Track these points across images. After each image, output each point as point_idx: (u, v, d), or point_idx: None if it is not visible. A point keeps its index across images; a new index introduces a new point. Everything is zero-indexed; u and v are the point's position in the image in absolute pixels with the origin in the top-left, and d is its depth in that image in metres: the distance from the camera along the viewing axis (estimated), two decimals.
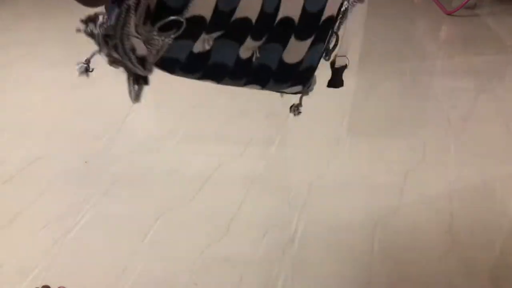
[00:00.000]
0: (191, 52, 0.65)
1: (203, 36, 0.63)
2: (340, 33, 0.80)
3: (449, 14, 2.93)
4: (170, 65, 0.66)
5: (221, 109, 1.87)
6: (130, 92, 0.64)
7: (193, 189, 1.45)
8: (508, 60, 2.36)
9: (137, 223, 1.33)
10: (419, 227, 1.31)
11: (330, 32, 0.77)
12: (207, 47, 0.65)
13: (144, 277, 1.17)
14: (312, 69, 0.79)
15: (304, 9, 0.69)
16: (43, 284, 1.15)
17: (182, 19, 0.58)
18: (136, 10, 0.56)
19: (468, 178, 1.50)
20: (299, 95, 0.87)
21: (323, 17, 0.72)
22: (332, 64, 0.85)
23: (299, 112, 0.90)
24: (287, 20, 0.69)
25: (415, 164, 1.56)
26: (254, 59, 0.70)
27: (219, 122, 1.81)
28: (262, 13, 0.66)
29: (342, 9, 0.76)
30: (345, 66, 0.87)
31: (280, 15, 0.68)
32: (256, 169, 1.54)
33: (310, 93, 0.87)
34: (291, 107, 0.90)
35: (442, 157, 1.60)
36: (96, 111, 1.90)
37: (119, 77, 0.62)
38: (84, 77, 0.61)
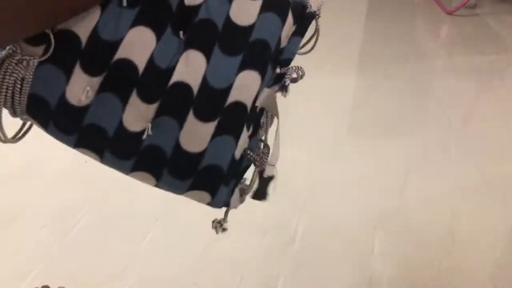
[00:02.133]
0: (64, 99, 0.54)
1: (81, 75, 0.53)
2: (264, 137, 0.69)
3: (449, 13, 2.93)
4: (39, 110, 0.56)
5: None
6: None
7: None
8: (508, 60, 2.36)
9: (137, 223, 1.33)
10: (419, 227, 1.31)
11: (243, 129, 0.63)
12: (85, 101, 0.54)
13: (144, 277, 1.17)
14: (217, 171, 0.62)
15: (205, 80, 0.57)
16: (43, 284, 1.15)
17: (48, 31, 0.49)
18: None
19: (468, 178, 1.50)
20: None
21: (229, 100, 0.58)
22: (260, 174, 0.72)
23: (224, 229, 0.74)
24: (183, 87, 0.56)
25: (415, 164, 1.56)
26: (144, 136, 0.57)
27: None
28: (152, 65, 0.54)
29: (258, 104, 0.62)
30: (271, 177, 0.74)
31: (175, 77, 0.56)
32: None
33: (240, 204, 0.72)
34: (213, 222, 0.73)
35: (442, 157, 1.60)
36: None
37: None
38: None
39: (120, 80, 0.54)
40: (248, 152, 0.67)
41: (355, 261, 1.21)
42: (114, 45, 0.53)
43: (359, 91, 2.05)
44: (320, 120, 1.82)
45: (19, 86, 0.52)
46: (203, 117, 0.58)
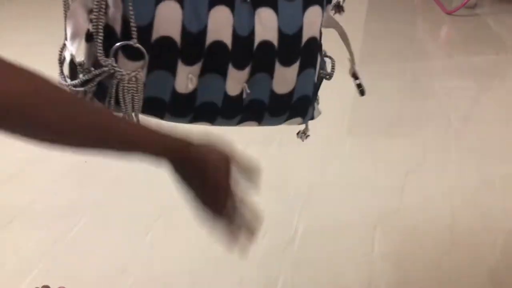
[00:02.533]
0: (175, 91, 0.61)
1: (183, 68, 0.59)
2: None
3: (449, 13, 2.93)
4: (156, 107, 0.63)
5: None
6: None
7: None
8: (508, 60, 2.36)
9: (137, 223, 1.33)
10: (419, 227, 1.31)
11: (318, 56, 0.73)
12: (191, 87, 0.62)
13: (144, 277, 1.17)
14: (306, 99, 0.74)
15: (280, 31, 0.65)
16: (43, 284, 1.15)
17: (135, 44, 0.55)
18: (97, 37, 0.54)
19: (468, 178, 1.50)
20: None
21: (304, 39, 0.68)
22: (353, 75, 0.86)
23: (307, 136, 0.88)
24: (266, 45, 0.65)
25: (415, 164, 1.56)
26: (244, 95, 0.67)
27: None
28: (236, 37, 0.62)
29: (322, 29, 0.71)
30: (355, 76, 0.87)
31: (257, 39, 0.64)
32: None
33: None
34: (298, 133, 0.87)
35: (442, 157, 1.60)
36: None
37: None
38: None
39: (216, 60, 0.62)
40: (321, 71, 0.77)
41: (355, 261, 1.21)
42: (203, 33, 0.59)
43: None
44: (320, 119, 1.81)
45: (136, 97, 0.59)
46: (288, 62, 0.68)
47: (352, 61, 0.85)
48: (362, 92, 0.90)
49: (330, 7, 0.74)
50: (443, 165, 1.56)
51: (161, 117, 0.64)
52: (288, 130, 1.86)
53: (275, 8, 0.65)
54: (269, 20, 0.64)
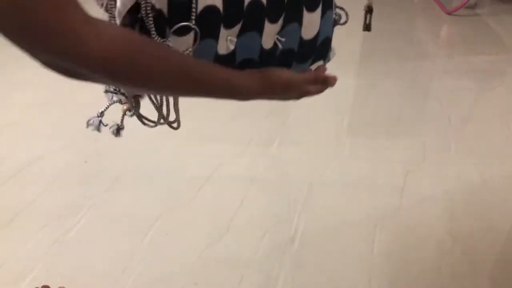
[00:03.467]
0: (217, 54, 0.64)
1: (224, 32, 0.62)
2: None
3: (449, 13, 2.93)
4: None
5: (221, 109, 1.87)
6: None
7: (193, 189, 1.45)
8: (508, 60, 2.36)
9: (137, 223, 1.33)
10: (419, 227, 1.31)
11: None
12: (232, 47, 0.64)
13: (144, 277, 1.17)
14: (328, 40, 0.80)
15: None
16: (43, 284, 1.15)
17: (192, 25, 0.57)
18: (147, 21, 0.55)
19: (468, 178, 1.50)
20: None
21: None
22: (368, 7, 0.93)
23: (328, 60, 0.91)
24: None
25: (415, 164, 1.56)
26: (280, 46, 0.70)
27: (219, 122, 1.81)
28: None
29: None
30: (370, 9, 0.94)
31: None
32: (256, 169, 1.54)
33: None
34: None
35: (442, 157, 1.60)
36: (96, 111, 1.90)
37: None
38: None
39: (254, 18, 0.64)
40: (335, 13, 0.80)
41: (355, 261, 1.21)
42: None
43: (359, 91, 2.05)
44: (320, 119, 1.82)
45: None
46: (313, 8, 0.72)
47: None
48: (368, 28, 0.96)
49: None
50: (443, 165, 1.56)
51: None
52: (288, 130, 1.87)
53: None
54: None
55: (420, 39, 2.64)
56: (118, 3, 0.54)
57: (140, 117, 0.67)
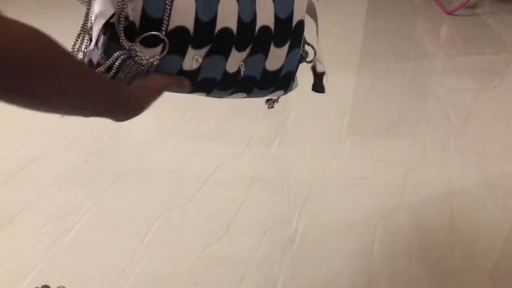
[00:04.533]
0: (181, 70, 0.66)
1: (191, 51, 0.64)
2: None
3: (449, 13, 2.93)
4: None
5: (221, 109, 1.87)
6: None
7: (193, 189, 1.45)
8: (508, 59, 2.36)
9: (137, 223, 1.33)
10: (419, 227, 1.31)
11: (303, 36, 0.80)
12: (196, 66, 0.67)
13: (144, 277, 1.17)
14: (291, 74, 0.83)
15: (276, 16, 0.73)
16: (43, 284, 1.15)
17: (162, 36, 0.59)
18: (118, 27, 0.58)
19: (468, 178, 1.50)
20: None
21: (294, 22, 0.76)
22: (313, 69, 0.90)
23: (272, 106, 0.93)
24: (265, 29, 0.72)
25: (415, 164, 1.56)
26: (242, 73, 0.73)
27: (219, 122, 1.81)
28: (241, 23, 0.68)
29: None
30: (323, 73, 0.90)
31: (258, 24, 0.71)
32: (256, 169, 1.54)
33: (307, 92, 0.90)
34: (267, 101, 0.93)
35: (442, 157, 1.60)
36: None
37: None
38: None
39: (222, 44, 0.67)
40: (303, 49, 0.83)
41: (355, 261, 1.21)
42: (213, 21, 0.64)
43: (359, 90, 2.05)
44: (320, 119, 1.82)
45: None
46: (281, 44, 0.75)
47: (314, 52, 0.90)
48: (320, 88, 0.93)
49: None
50: (443, 165, 1.56)
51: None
52: (288, 130, 1.87)
53: None
54: (267, 6, 0.71)
55: (420, 39, 2.64)
56: (97, 10, 0.58)
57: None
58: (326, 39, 0.81)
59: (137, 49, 0.59)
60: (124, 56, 0.59)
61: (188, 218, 1.35)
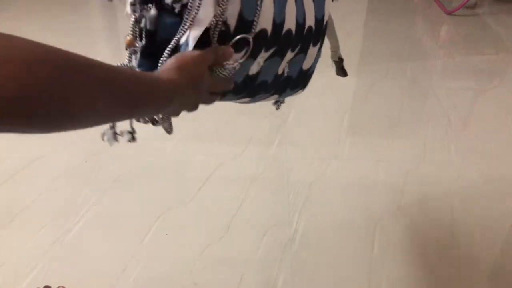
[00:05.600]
0: (247, 75, 0.67)
1: (262, 54, 0.65)
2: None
3: (449, 13, 2.93)
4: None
5: (221, 109, 1.87)
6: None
7: (193, 189, 1.45)
8: (508, 60, 2.36)
9: (137, 223, 1.33)
10: (419, 227, 1.31)
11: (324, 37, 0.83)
12: (257, 69, 0.67)
13: (144, 277, 1.17)
14: (312, 72, 0.85)
15: (316, 17, 0.75)
16: (44, 284, 1.15)
17: (250, 38, 0.59)
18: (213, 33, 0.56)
19: (468, 178, 1.50)
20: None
21: (324, 22, 0.78)
22: (333, 59, 0.96)
23: (279, 108, 0.94)
24: (310, 29, 0.74)
25: (415, 164, 1.56)
26: (285, 73, 0.74)
27: (219, 122, 1.81)
28: (298, 24, 0.70)
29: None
30: (342, 59, 0.96)
31: (307, 25, 0.72)
32: (256, 169, 1.54)
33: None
34: (276, 102, 0.93)
35: (442, 157, 1.60)
36: None
37: None
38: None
39: (284, 45, 0.68)
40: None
41: (355, 261, 1.21)
42: (282, 23, 0.65)
43: (359, 90, 2.05)
44: (320, 119, 1.82)
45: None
46: (316, 43, 0.77)
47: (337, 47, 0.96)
48: (344, 73, 1.00)
49: None
50: (443, 165, 1.56)
51: (222, 97, 0.68)
52: (288, 130, 1.87)
53: None
54: (311, 8, 0.74)
55: (420, 39, 2.64)
56: (201, 14, 0.55)
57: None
58: (326, 38, 0.81)
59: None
60: None
61: (188, 218, 1.35)
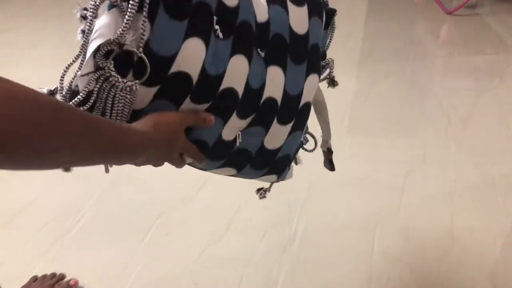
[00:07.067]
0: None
1: (189, 104, 0.58)
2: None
3: (449, 13, 2.93)
4: None
5: None
6: None
7: (193, 189, 1.45)
8: (508, 60, 2.36)
9: (137, 223, 1.33)
10: (419, 227, 1.31)
11: (307, 121, 0.76)
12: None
13: (144, 277, 1.17)
14: (288, 158, 0.78)
15: (285, 91, 0.68)
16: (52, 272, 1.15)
17: (139, 54, 0.52)
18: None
19: (468, 178, 1.50)
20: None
21: (301, 103, 0.72)
22: (323, 150, 0.89)
23: (264, 196, 0.88)
24: (271, 101, 0.67)
25: (415, 164, 1.56)
26: (237, 143, 0.67)
27: None
28: (248, 88, 0.63)
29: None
30: (331, 151, 0.90)
31: (265, 94, 0.66)
32: None
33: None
34: (258, 190, 0.88)
35: (442, 157, 1.60)
36: None
37: None
38: None
39: (224, 105, 0.61)
40: (303, 136, 0.80)
41: (355, 261, 1.21)
42: (220, 77, 0.59)
43: (359, 90, 2.05)
44: None
45: (126, 109, 0.56)
46: (285, 122, 0.71)
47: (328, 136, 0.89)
48: (332, 166, 0.94)
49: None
50: (443, 165, 1.56)
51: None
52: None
53: (284, 68, 0.67)
54: (278, 78, 0.67)
55: (420, 39, 2.64)
56: (96, 30, 0.52)
57: None
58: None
59: (111, 67, 0.52)
60: (97, 75, 0.52)
61: (188, 218, 1.35)
